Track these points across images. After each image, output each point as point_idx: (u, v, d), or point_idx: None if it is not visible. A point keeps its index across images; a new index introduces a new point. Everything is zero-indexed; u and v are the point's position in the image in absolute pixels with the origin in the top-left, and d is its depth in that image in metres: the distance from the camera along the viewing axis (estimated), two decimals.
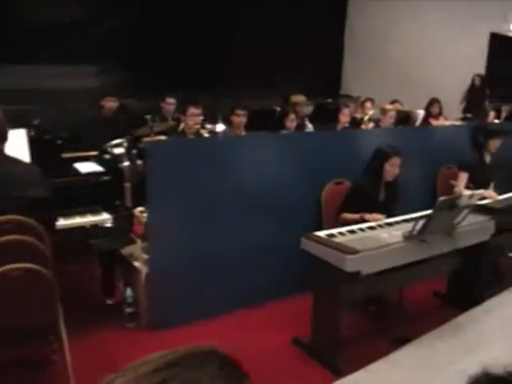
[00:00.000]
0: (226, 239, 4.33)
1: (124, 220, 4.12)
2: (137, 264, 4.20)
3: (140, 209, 4.47)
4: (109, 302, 4.44)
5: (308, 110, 7.32)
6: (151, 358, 0.86)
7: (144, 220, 4.28)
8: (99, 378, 0.89)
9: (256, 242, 4.47)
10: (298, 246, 3.84)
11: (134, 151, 5.48)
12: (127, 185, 4.71)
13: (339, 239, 3.73)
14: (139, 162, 5.31)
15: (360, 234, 3.90)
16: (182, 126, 5.46)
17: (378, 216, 4.25)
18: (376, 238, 3.79)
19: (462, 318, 4.48)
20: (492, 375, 0.99)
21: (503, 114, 9.30)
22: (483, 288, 4.81)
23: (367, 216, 4.24)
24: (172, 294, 4.09)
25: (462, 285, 4.75)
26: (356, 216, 4.28)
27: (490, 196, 5.10)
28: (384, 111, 6.83)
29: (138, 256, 4.25)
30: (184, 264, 4.13)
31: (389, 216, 4.37)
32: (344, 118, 6.60)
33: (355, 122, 7.24)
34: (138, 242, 4.36)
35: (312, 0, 11.81)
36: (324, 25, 12.12)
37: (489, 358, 3.63)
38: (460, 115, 9.73)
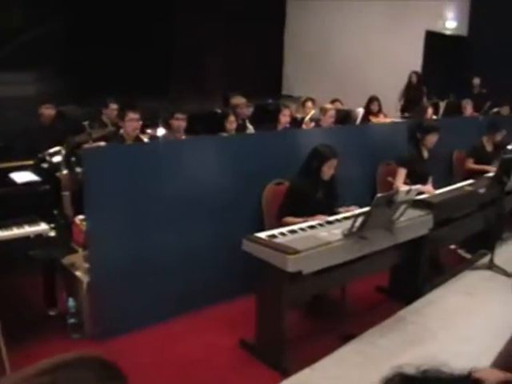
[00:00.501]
0: (168, 244, 4.28)
1: (63, 229, 4.04)
2: (78, 273, 4.13)
3: (81, 217, 4.39)
4: (51, 313, 4.33)
5: (249, 111, 7.32)
6: (40, 362, 0.90)
7: (84, 228, 4.22)
8: None
9: (199, 245, 4.45)
10: (241, 247, 3.85)
11: (73, 159, 5.39)
12: (66, 193, 4.64)
13: (280, 240, 3.75)
14: (78, 169, 5.23)
15: (301, 233, 3.93)
16: (121, 131, 5.39)
17: (321, 217, 4.28)
18: (316, 237, 3.82)
19: (404, 312, 4.59)
20: (405, 375, 1.02)
21: (441, 110, 9.54)
22: (424, 281, 4.92)
23: (310, 220, 4.25)
24: (114, 303, 4.02)
25: (403, 279, 4.84)
26: (299, 220, 4.30)
27: (427, 191, 5.21)
28: (324, 110, 6.88)
29: (80, 265, 4.19)
30: (125, 271, 4.07)
31: (329, 214, 4.43)
32: (284, 118, 6.61)
33: (296, 123, 7.29)
34: (80, 251, 4.29)
35: (251, 1, 11.86)
36: (264, 26, 12.19)
37: (431, 350, 3.75)
38: (399, 112, 9.94)
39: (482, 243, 5.96)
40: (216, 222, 4.57)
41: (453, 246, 6.14)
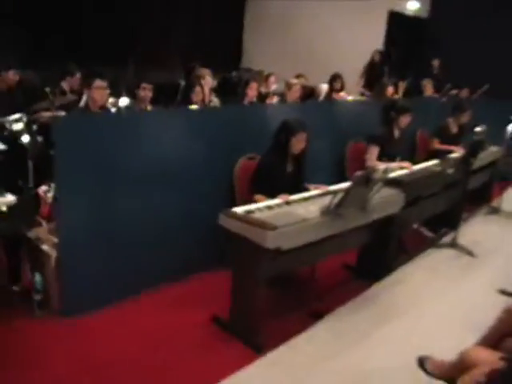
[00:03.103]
0: (138, 216, 4.14)
1: (29, 201, 3.84)
2: (45, 247, 3.95)
3: (44, 188, 4.20)
4: (15, 288, 4.14)
5: (213, 83, 7.19)
6: None
7: (49, 200, 4.04)
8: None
9: (169, 218, 4.33)
10: (214, 221, 3.75)
11: (35, 126, 5.18)
12: (30, 163, 4.46)
13: (258, 215, 3.67)
14: (39, 138, 5.04)
15: (278, 209, 3.86)
16: (84, 99, 5.16)
17: (285, 197, 4.20)
18: (294, 214, 3.76)
19: (373, 290, 4.62)
20: None
21: (400, 90, 9.57)
22: (391, 260, 4.95)
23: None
24: (82, 278, 3.86)
25: (371, 257, 4.84)
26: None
27: (407, 166, 5.36)
28: (289, 86, 6.85)
29: (46, 239, 4.01)
30: (96, 244, 3.92)
31: (297, 188, 4.40)
32: (252, 92, 6.48)
33: (261, 97, 7.20)
34: (43, 223, 4.11)
35: None
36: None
37: (402, 327, 3.80)
38: (361, 90, 9.96)
39: (443, 222, 6.05)
40: (186, 195, 4.44)
41: (415, 225, 6.19)
